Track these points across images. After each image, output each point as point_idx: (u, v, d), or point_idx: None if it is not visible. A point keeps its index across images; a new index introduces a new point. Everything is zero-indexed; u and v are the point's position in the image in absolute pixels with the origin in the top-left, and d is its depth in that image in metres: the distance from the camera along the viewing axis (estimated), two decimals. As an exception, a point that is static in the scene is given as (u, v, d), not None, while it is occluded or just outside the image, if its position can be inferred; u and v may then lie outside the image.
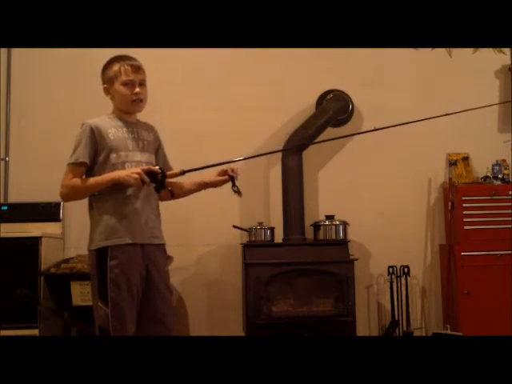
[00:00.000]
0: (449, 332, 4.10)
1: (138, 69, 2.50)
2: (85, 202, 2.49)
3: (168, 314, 2.48)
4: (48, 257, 3.95)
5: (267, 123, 4.54)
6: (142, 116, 2.61)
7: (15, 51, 4.50)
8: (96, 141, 2.42)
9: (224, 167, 2.54)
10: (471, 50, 4.59)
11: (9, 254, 3.85)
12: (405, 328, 4.34)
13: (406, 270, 4.40)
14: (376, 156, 4.58)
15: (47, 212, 4.23)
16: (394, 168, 4.60)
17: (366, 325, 4.48)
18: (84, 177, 2.43)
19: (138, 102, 2.49)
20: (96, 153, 2.42)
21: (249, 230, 4.24)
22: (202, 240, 4.44)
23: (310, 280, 4.16)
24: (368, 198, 4.55)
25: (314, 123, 4.45)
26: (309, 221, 4.37)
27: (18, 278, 3.79)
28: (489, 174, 4.50)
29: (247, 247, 4.20)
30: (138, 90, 2.47)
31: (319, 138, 4.38)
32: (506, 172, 4.48)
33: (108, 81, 2.50)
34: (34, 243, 3.88)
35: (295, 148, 4.35)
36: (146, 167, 2.39)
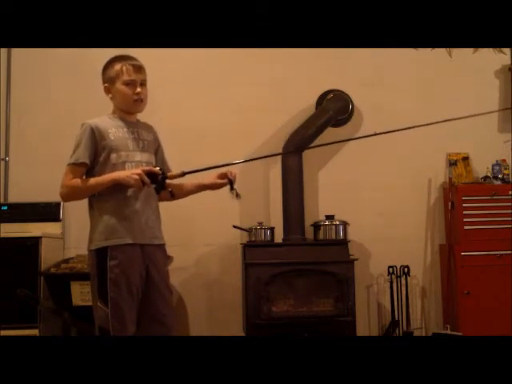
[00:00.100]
0: (449, 332, 4.10)
1: (139, 69, 2.50)
2: (85, 202, 2.49)
3: (168, 314, 2.48)
4: (48, 257, 3.95)
5: (267, 123, 4.54)
6: (142, 115, 2.61)
7: (15, 51, 4.49)
8: (96, 141, 2.41)
9: (224, 170, 2.54)
10: (471, 49, 4.59)
11: (9, 254, 3.85)
12: (405, 328, 4.34)
13: (406, 270, 4.40)
14: (376, 156, 4.58)
15: (47, 212, 4.23)
16: (393, 168, 4.60)
17: (366, 325, 4.48)
18: (84, 177, 2.43)
19: (139, 101, 2.49)
20: (96, 153, 2.42)
21: (249, 230, 4.24)
22: (202, 240, 4.45)
23: (309, 280, 4.16)
24: (368, 198, 4.55)
25: (314, 123, 4.45)
26: (309, 221, 4.37)
27: (18, 278, 3.79)
28: (489, 174, 4.50)
29: (247, 247, 4.20)
30: (139, 89, 2.47)
31: (319, 138, 4.39)
32: (506, 172, 4.48)
33: (109, 80, 2.50)
34: (34, 243, 3.88)
35: (295, 149, 4.35)
36: (146, 168, 2.39)
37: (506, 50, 4.67)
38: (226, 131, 4.49)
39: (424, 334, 4.47)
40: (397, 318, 4.35)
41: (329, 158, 4.62)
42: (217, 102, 4.53)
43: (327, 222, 4.28)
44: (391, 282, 4.41)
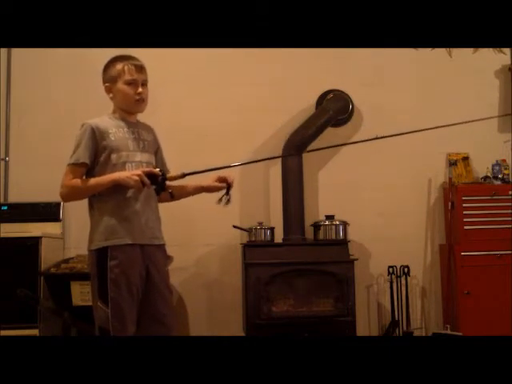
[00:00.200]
0: (449, 332, 4.10)
1: (141, 69, 2.50)
2: (85, 202, 2.49)
3: (168, 314, 2.48)
4: (48, 257, 3.95)
5: (267, 123, 4.54)
6: (142, 115, 2.61)
7: (15, 51, 4.49)
8: (96, 141, 2.41)
9: (223, 174, 2.54)
10: (471, 49, 4.59)
11: (9, 254, 3.85)
12: (405, 328, 4.34)
13: (406, 270, 4.40)
14: (376, 156, 4.57)
15: (47, 212, 4.23)
16: (393, 168, 4.60)
17: (366, 325, 4.48)
18: (84, 177, 2.43)
19: (141, 101, 2.49)
20: (97, 153, 2.42)
21: (249, 230, 4.24)
22: (202, 240, 4.45)
23: (310, 280, 4.16)
24: (368, 198, 4.55)
25: (314, 123, 4.45)
26: (309, 221, 4.37)
27: (18, 278, 3.79)
28: (489, 174, 4.50)
29: (247, 247, 4.20)
30: (140, 89, 2.47)
31: (319, 138, 4.39)
32: (506, 172, 4.48)
33: (110, 80, 2.49)
34: (33, 243, 3.88)
35: (295, 149, 4.35)
36: (146, 169, 2.39)
37: (506, 50, 4.67)
38: (226, 131, 4.49)
39: (424, 334, 4.47)
40: (397, 318, 4.35)
41: (329, 158, 4.61)
42: (217, 102, 4.53)
43: (327, 222, 4.28)
44: (391, 282, 4.41)
